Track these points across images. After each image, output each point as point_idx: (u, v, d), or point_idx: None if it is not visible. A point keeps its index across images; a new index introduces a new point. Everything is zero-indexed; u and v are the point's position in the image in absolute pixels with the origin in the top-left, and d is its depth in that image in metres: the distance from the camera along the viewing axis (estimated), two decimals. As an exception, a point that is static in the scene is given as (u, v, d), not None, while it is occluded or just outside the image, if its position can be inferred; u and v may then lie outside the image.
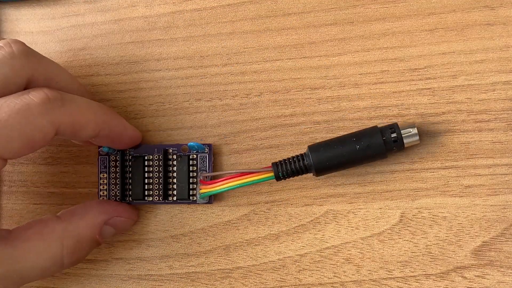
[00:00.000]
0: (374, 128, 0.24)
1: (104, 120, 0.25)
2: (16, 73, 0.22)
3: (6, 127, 0.20)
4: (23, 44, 0.23)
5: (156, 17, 0.29)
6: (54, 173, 0.30)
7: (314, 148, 0.24)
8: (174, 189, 0.27)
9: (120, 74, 0.29)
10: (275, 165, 0.25)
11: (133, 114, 0.29)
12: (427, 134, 0.25)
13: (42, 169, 0.30)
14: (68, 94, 0.23)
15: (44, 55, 0.31)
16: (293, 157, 0.25)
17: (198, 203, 0.27)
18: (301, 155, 0.25)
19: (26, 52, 0.23)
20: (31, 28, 0.31)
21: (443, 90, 0.25)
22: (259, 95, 0.27)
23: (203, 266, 0.27)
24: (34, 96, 0.22)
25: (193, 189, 0.27)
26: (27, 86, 0.23)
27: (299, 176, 0.25)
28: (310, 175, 0.25)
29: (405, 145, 0.24)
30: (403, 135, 0.23)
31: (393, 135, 0.23)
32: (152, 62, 0.29)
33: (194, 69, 0.28)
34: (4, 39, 0.23)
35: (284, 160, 0.25)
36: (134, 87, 0.29)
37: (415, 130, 0.23)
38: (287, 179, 0.25)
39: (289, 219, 0.26)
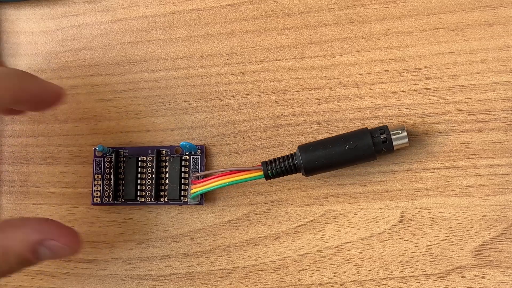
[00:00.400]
0: (364, 130, 0.24)
1: (21, 86, 0.24)
2: None
3: None
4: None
5: (156, 17, 0.29)
6: (54, 173, 0.30)
7: (303, 148, 0.24)
8: (165, 190, 0.27)
9: (120, 74, 0.29)
10: (265, 164, 0.25)
11: (133, 114, 0.29)
12: (427, 134, 0.25)
13: (42, 169, 0.30)
14: None
15: (44, 55, 0.31)
16: (282, 157, 0.25)
17: (189, 204, 0.27)
18: (291, 154, 0.25)
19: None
20: (31, 28, 0.31)
21: (443, 90, 0.25)
22: (259, 95, 0.27)
23: (203, 266, 0.27)
24: None
25: (185, 190, 0.27)
26: None
27: (289, 175, 0.25)
28: (299, 174, 0.25)
29: (394, 147, 0.24)
30: (392, 137, 0.23)
31: (383, 136, 0.23)
32: (152, 62, 0.29)
33: (194, 69, 0.28)
34: None
35: (274, 159, 0.25)
36: (134, 87, 0.29)
37: (404, 132, 0.24)
38: (277, 178, 0.25)
39: (289, 219, 0.26)
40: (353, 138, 0.24)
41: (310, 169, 0.24)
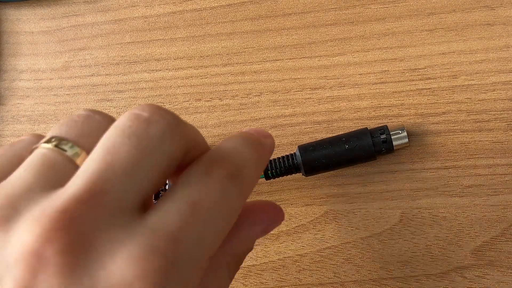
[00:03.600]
0: (364, 130, 0.24)
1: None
2: (178, 148, 0.17)
3: (214, 224, 0.16)
4: (172, 113, 0.18)
5: (156, 17, 0.29)
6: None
7: (303, 148, 0.24)
8: (166, 190, 0.27)
9: (120, 74, 0.29)
10: None
11: (133, 114, 0.29)
12: (427, 134, 0.25)
13: (42, 169, 0.30)
14: (236, 161, 0.18)
15: (44, 55, 0.31)
16: (282, 157, 0.25)
17: None
18: (291, 154, 0.25)
19: (180, 123, 0.18)
20: (31, 28, 0.31)
21: (443, 90, 0.25)
22: (259, 95, 0.27)
23: (203, 266, 0.27)
24: (225, 180, 0.17)
25: None
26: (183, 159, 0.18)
27: (289, 175, 0.25)
28: (299, 174, 0.25)
29: (394, 147, 0.24)
30: (392, 137, 0.23)
31: (382, 136, 0.23)
32: (152, 62, 0.29)
33: (194, 69, 0.28)
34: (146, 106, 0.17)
35: (274, 159, 0.25)
36: (134, 87, 0.29)
37: (404, 133, 0.24)
38: (277, 178, 0.25)
39: (289, 219, 0.26)
40: (353, 138, 0.24)
41: (310, 169, 0.24)
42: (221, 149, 0.18)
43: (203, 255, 0.16)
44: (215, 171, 0.17)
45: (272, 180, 0.25)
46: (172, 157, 0.17)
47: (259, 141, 0.20)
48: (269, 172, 0.25)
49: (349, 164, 0.24)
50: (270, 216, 0.23)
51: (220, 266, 0.20)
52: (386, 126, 0.24)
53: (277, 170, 0.24)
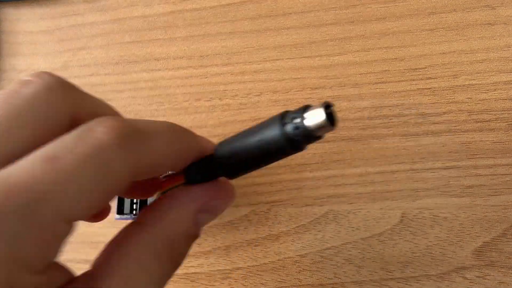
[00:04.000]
0: (275, 117, 0.18)
1: (181, 148, 0.18)
2: (55, 109, 0.16)
3: (75, 181, 0.14)
4: (58, 76, 0.17)
5: (156, 16, 0.29)
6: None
7: (220, 144, 0.18)
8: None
9: (119, 74, 0.29)
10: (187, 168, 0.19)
11: (132, 114, 0.29)
12: (428, 134, 0.25)
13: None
14: (140, 124, 0.17)
15: (43, 54, 0.31)
16: (202, 159, 0.19)
17: None
18: (210, 155, 0.19)
19: (64, 85, 0.17)
20: (31, 27, 0.31)
21: (444, 89, 0.25)
22: (259, 95, 0.27)
23: (203, 267, 0.27)
24: (103, 133, 0.15)
25: None
26: (71, 126, 0.17)
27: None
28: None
29: (314, 134, 0.16)
30: (305, 122, 0.16)
31: (296, 121, 0.17)
32: (152, 62, 0.29)
33: (194, 69, 0.28)
34: (34, 73, 0.17)
35: (194, 162, 0.19)
36: (134, 87, 0.29)
37: (321, 113, 0.16)
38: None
39: (290, 219, 0.26)
40: (263, 129, 0.18)
41: (230, 171, 0.18)
42: (135, 119, 0.17)
43: (52, 213, 0.14)
44: (99, 127, 0.15)
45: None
46: (49, 117, 0.16)
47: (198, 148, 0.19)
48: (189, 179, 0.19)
49: (269, 161, 0.18)
50: (212, 193, 0.19)
51: (145, 253, 0.17)
52: (305, 106, 0.17)
53: (197, 174, 0.19)
